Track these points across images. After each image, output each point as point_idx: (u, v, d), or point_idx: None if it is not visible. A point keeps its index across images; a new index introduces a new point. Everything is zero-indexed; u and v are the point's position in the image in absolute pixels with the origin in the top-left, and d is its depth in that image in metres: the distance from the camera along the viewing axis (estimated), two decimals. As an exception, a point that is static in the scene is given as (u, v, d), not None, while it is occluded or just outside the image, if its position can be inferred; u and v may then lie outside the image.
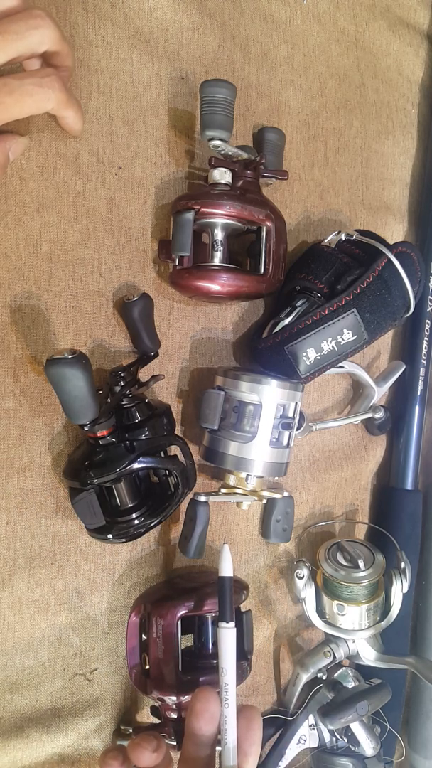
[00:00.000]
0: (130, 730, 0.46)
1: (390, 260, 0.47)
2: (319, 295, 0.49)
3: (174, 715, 0.44)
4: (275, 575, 0.55)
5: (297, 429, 0.49)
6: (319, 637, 0.56)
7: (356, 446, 0.59)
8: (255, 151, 0.50)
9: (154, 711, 0.47)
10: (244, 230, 0.48)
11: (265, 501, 0.51)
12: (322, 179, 0.58)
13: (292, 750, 0.51)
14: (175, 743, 0.43)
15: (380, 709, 0.50)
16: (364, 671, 0.53)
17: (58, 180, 0.46)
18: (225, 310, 0.53)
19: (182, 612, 0.44)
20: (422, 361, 0.59)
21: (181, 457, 0.46)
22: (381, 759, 0.52)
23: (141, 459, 0.42)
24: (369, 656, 0.51)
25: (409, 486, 0.59)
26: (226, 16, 0.53)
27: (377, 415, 0.56)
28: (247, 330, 0.54)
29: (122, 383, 0.43)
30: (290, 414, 0.46)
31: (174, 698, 0.43)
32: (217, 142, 0.46)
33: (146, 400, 0.45)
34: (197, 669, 0.45)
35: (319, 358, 0.47)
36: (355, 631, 0.51)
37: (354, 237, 0.51)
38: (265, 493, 0.49)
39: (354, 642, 0.52)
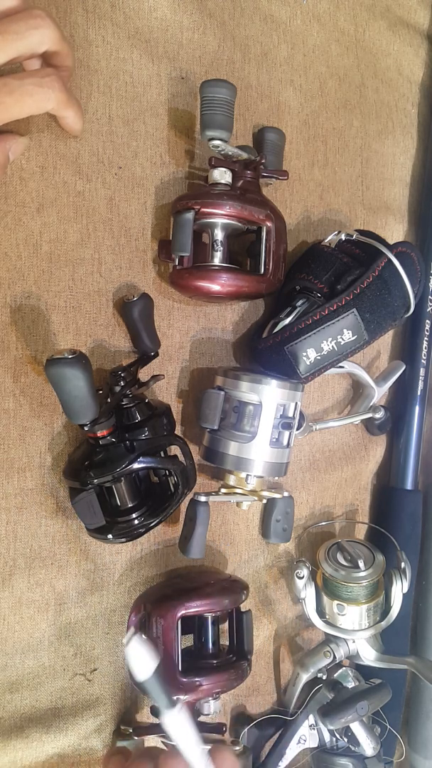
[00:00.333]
0: (130, 730, 0.46)
1: (390, 260, 0.47)
2: (319, 295, 0.49)
3: (174, 715, 0.44)
4: (275, 575, 0.55)
5: (297, 429, 0.49)
6: (319, 637, 0.56)
7: (356, 446, 0.59)
8: (255, 151, 0.50)
9: (154, 711, 0.47)
10: (244, 230, 0.48)
11: (265, 501, 0.51)
12: (322, 179, 0.58)
13: (292, 750, 0.51)
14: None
15: (380, 709, 0.50)
16: (364, 671, 0.53)
17: (58, 180, 0.46)
18: (225, 310, 0.53)
19: (182, 612, 0.44)
20: (422, 361, 0.59)
21: (181, 457, 0.46)
22: (381, 759, 0.52)
23: (141, 459, 0.42)
24: (369, 656, 0.51)
25: (409, 486, 0.59)
26: (226, 16, 0.53)
27: (377, 415, 0.56)
28: (247, 330, 0.54)
29: (122, 383, 0.43)
30: (290, 414, 0.46)
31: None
32: (217, 142, 0.46)
33: (146, 400, 0.45)
34: (197, 669, 0.45)
35: (319, 358, 0.47)
36: (355, 631, 0.51)
37: (354, 237, 0.51)
38: (265, 493, 0.49)
39: (354, 642, 0.52)
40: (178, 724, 0.35)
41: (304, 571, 0.51)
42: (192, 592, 0.45)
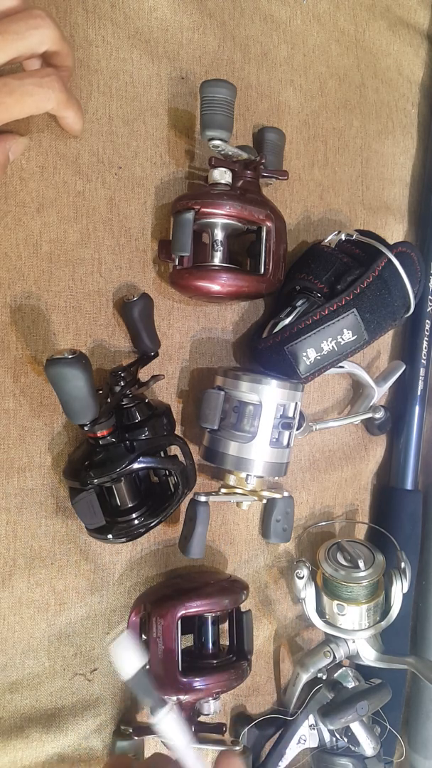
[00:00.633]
0: (130, 730, 0.46)
1: (390, 260, 0.47)
2: (319, 295, 0.49)
3: (174, 715, 0.44)
4: (275, 575, 0.55)
5: (297, 429, 0.49)
6: (319, 637, 0.56)
7: (356, 446, 0.59)
8: (255, 151, 0.50)
9: (154, 711, 0.47)
10: (244, 230, 0.48)
11: (265, 501, 0.51)
12: (322, 179, 0.58)
13: (292, 750, 0.51)
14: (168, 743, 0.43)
15: (380, 709, 0.50)
16: (364, 671, 0.53)
17: (58, 180, 0.46)
18: (225, 310, 0.53)
19: (182, 612, 0.44)
20: (422, 361, 0.59)
21: (181, 457, 0.46)
22: (381, 759, 0.52)
23: (141, 459, 0.42)
24: (369, 656, 0.51)
25: (409, 486, 0.59)
26: (226, 16, 0.53)
27: (377, 415, 0.56)
28: (247, 330, 0.54)
29: (122, 383, 0.43)
30: (290, 414, 0.46)
31: (174, 698, 0.43)
32: (217, 142, 0.46)
33: (146, 400, 0.45)
34: (197, 669, 0.45)
35: (319, 358, 0.47)
36: (355, 631, 0.51)
37: (354, 237, 0.51)
38: (265, 493, 0.49)
39: (354, 642, 0.52)
40: (168, 723, 0.35)
41: (304, 571, 0.51)
42: (192, 592, 0.45)
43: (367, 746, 0.49)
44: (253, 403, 0.45)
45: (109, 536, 0.44)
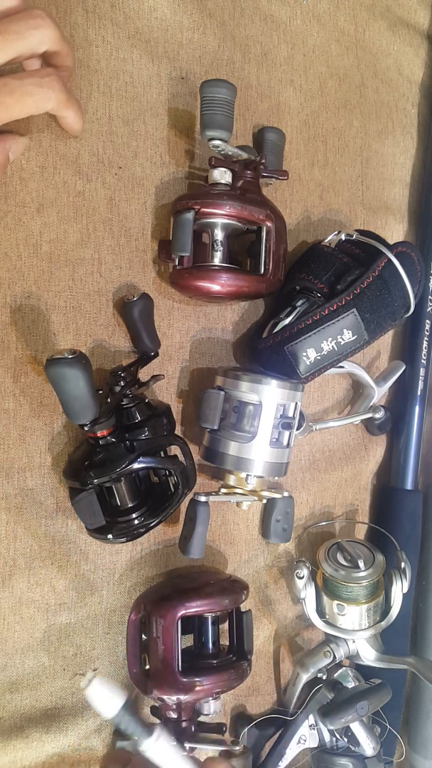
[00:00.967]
0: (130, 730, 0.46)
1: (390, 260, 0.47)
2: (319, 295, 0.49)
3: (174, 715, 0.44)
4: (275, 575, 0.55)
5: (297, 429, 0.49)
6: (319, 637, 0.56)
7: (356, 446, 0.59)
8: (255, 151, 0.50)
9: (154, 711, 0.47)
10: (244, 230, 0.48)
11: (265, 501, 0.51)
12: (322, 179, 0.58)
13: (292, 750, 0.51)
14: (174, 743, 0.43)
15: (380, 709, 0.50)
16: (364, 671, 0.53)
17: (58, 180, 0.46)
18: (225, 310, 0.53)
19: (182, 612, 0.44)
20: (422, 361, 0.59)
21: (181, 457, 0.46)
22: (381, 759, 0.52)
23: (141, 459, 0.42)
24: (369, 656, 0.51)
25: (409, 486, 0.59)
26: (226, 16, 0.53)
27: (377, 415, 0.56)
28: (247, 330, 0.54)
29: (122, 383, 0.43)
30: (290, 414, 0.46)
31: (174, 698, 0.43)
32: (217, 142, 0.46)
33: (146, 400, 0.45)
34: (197, 669, 0.45)
35: (319, 358, 0.47)
36: (355, 631, 0.51)
37: (354, 237, 0.51)
38: (265, 493, 0.49)
39: (354, 642, 0.52)
40: (158, 750, 0.34)
41: (304, 571, 0.51)
42: (192, 592, 0.45)
43: (367, 746, 0.49)
44: (253, 403, 0.45)
45: (109, 536, 0.44)
